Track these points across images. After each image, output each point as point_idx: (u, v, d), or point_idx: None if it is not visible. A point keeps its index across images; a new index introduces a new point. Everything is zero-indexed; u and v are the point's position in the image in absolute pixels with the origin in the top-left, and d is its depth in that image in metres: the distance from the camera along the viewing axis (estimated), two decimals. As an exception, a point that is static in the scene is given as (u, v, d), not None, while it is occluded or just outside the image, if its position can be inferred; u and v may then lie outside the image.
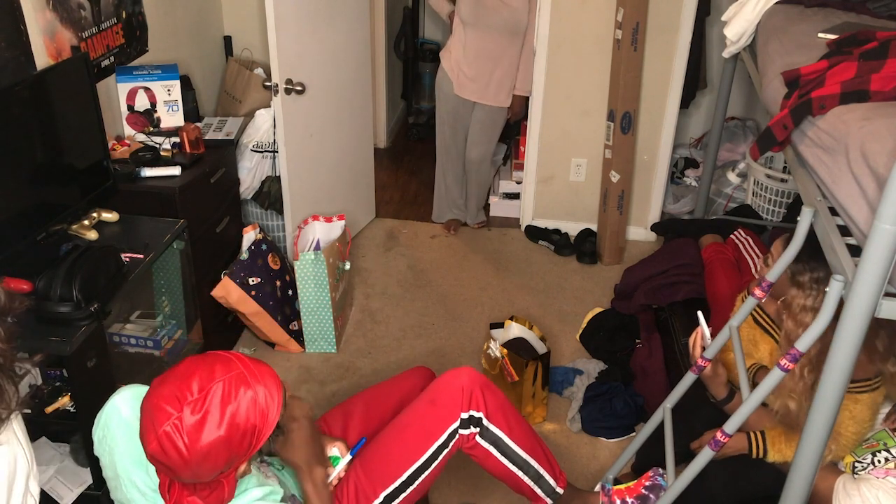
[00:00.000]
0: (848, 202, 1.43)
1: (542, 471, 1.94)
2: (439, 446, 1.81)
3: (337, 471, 1.73)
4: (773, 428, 1.94)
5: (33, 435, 2.16)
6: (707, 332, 1.96)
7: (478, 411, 1.84)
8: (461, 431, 1.84)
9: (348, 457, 1.75)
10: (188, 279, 2.58)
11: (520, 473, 1.92)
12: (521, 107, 3.69)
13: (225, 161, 2.92)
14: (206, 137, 2.91)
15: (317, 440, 1.68)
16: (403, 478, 1.78)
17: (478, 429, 1.85)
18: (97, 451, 1.49)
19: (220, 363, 1.31)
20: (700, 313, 2.00)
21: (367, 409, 1.97)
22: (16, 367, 1.22)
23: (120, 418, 1.46)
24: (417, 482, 1.80)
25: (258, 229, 2.97)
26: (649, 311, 3.05)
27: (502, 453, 1.89)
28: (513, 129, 4.20)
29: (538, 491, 1.95)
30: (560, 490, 1.98)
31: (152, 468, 1.40)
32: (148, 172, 2.59)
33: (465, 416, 1.83)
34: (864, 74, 1.60)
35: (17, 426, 1.24)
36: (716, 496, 1.94)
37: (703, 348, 1.96)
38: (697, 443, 2.07)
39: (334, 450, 1.76)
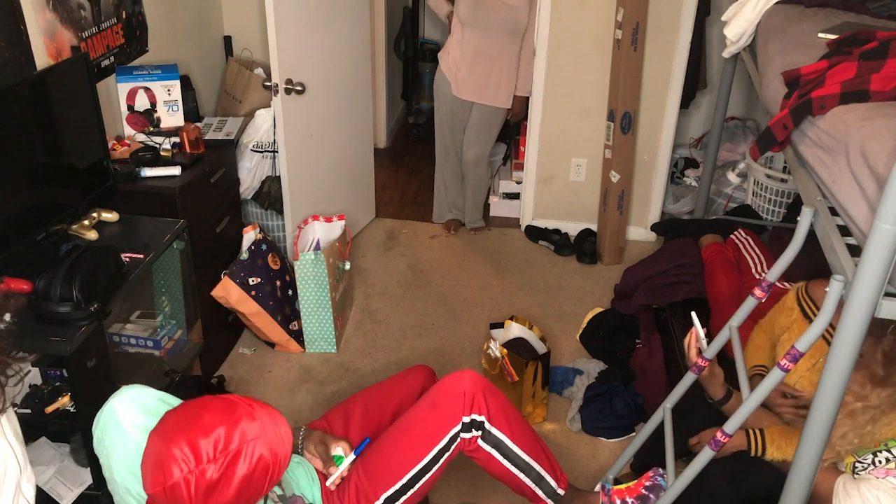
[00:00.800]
0: (848, 202, 1.43)
1: (543, 472, 1.94)
2: (440, 449, 1.82)
3: (340, 470, 1.73)
4: (771, 426, 1.94)
5: (33, 435, 2.16)
6: (702, 332, 1.96)
7: (480, 415, 1.84)
8: (463, 435, 1.83)
9: (352, 456, 1.75)
10: (188, 279, 2.58)
11: (521, 476, 1.92)
12: (521, 107, 3.69)
13: (225, 161, 2.91)
14: (206, 137, 2.91)
15: None
16: (404, 480, 1.78)
17: (480, 432, 1.85)
18: (96, 450, 1.49)
19: (245, 419, 1.30)
20: (694, 314, 2.00)
21: (367, 408, 1.97)
22: (7, 368, 1.21)
23: (118, 426, 1.44)
24: (418, 485, 1.80)
25: (258, 229, 2.97)
26: (649, 311, 3.05)
27: (504, 456, 1.89)
28: (513, 129, 4.21)
29: (539, 492, 1.95)
30: (561, 491, 1.98)
31: None
32: (148, 172, 2.59)
33: (466, 419, 1.83)
34: (864, 74, 1.61)
35: (8, 428, 1.22)
36: (716, 496, 1.94)
37: (700, 350, 1.96)
38: (697, 438, 2.07)
39: (338, 449, 1.76)
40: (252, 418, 1.31)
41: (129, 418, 1.44)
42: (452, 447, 1.83)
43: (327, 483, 1.74)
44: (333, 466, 1.74)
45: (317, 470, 1.78)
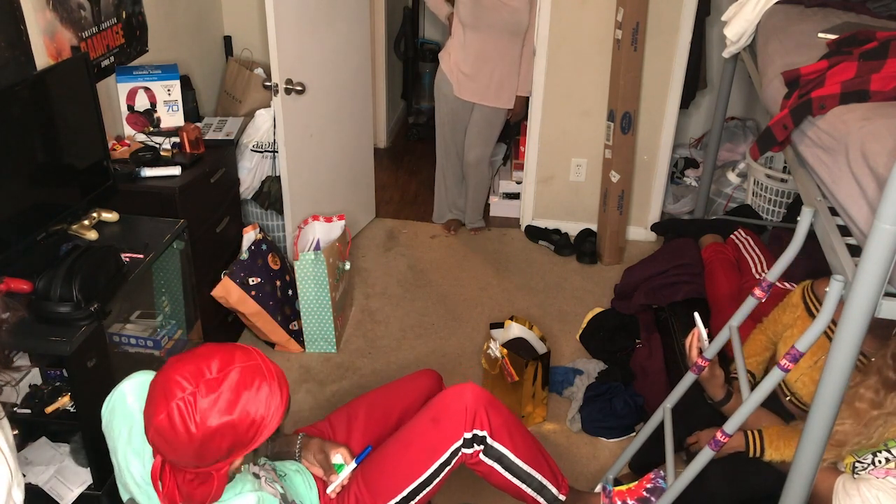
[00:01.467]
0: (848, 202, 1.43)
1: (544, 481, 1.94)
2: (441, 464, 1.81)
3: (341, 478, 1.72)
4: (770, 426, 1.94)
5: (33, 435, 2.16)
6: (704, 333, 1.96)
7: (482, 430, 1.83)
8: (464, 450, 1.83)
9: (353, 465, 1.74)
10: (188, 279, 2.58)
11: (523, 486, 1.91)
12: (521, 107, 3.68)
13: (225, 161, 2.91)
14: (206, 137, 2.91)
15: None
16: (405, 493, 1.78)
17: (482, 447, 1.84)
18: (104, 429, 1.51)
19: (239, 351, 1.34)
20: (697, 315, 2.00)
21: (372, 412, 1.96)
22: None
23: (125, 408, 1.47)
24: (419, 497, 1.80)
25: (258, 229, 2.97)
26: (649, 311, 3.05)
27: (506, 469, 1.88)
28: (513, 129, 4.20)
29: (541, 500, 1.95)
30: (562, 497, 1.97)
31: (149, 460, 1.40)
32: (148, 172, 2.59)
33: (468, 435, 1.82)
34: (865, 74, 1.60)
35: (0, 435, 1.23)
36: (716, 496, 1.94)
37: (700, 350, 1.96)
38: (694, 437, 2.06)
39: (338, 457, 1.75)
40: (246, 350, 1.36)
41: (136, 401, 1.46)
42: (454, 461, 1.83)
43: (328, 491, 1.73)
44: (334, 474, 1.73)
45: (315, 477, 1.78)
